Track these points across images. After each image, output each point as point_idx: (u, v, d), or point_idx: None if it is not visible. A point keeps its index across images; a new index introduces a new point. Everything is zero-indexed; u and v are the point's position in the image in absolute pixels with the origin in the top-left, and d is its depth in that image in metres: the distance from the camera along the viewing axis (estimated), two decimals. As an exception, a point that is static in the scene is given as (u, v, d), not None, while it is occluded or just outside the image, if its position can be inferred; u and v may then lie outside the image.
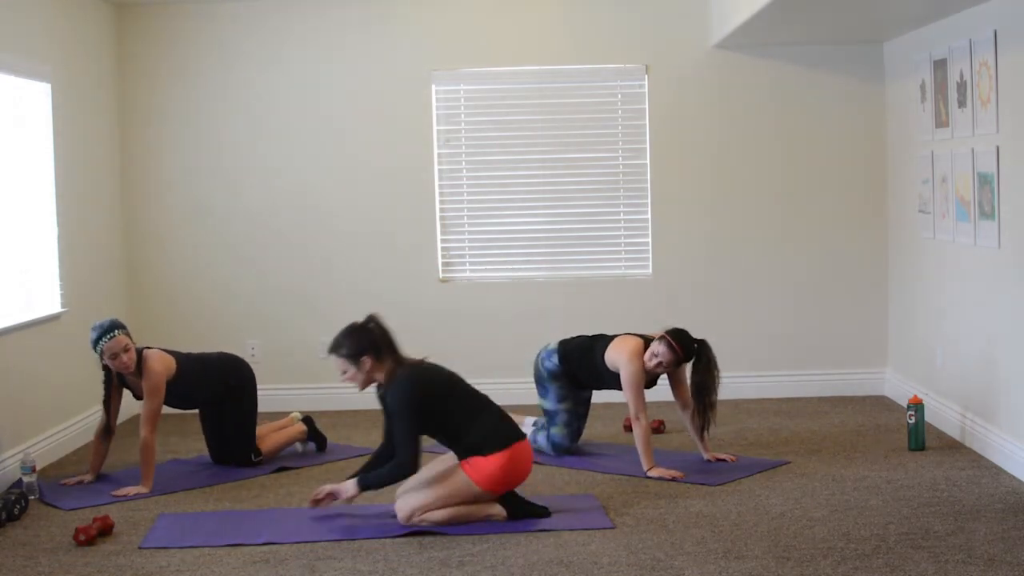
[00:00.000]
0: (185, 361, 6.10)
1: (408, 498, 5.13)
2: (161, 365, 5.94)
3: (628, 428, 6.90)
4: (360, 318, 5.31)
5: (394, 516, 5.21)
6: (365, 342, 5.19)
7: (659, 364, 5.97)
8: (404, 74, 7.75)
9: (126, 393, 6.09)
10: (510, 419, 5.29)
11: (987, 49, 5.83)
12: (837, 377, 7.82)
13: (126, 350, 5.81)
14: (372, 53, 7.75)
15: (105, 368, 5.90)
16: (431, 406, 5.12)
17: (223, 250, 7.84)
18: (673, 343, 5.94)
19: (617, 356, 6.05)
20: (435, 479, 5.13)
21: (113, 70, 7.68)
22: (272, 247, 7.83)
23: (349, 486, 5.16)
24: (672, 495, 5.51)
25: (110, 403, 5.97)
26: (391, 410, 5.15)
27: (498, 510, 5.17)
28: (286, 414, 6.85)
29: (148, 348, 6.02)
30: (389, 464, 5.12)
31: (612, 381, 6.14)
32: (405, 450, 5.06)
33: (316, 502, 5.22)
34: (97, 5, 7.45)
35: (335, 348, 5.24)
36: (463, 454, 5.15)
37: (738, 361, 7.50)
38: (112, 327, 5.81)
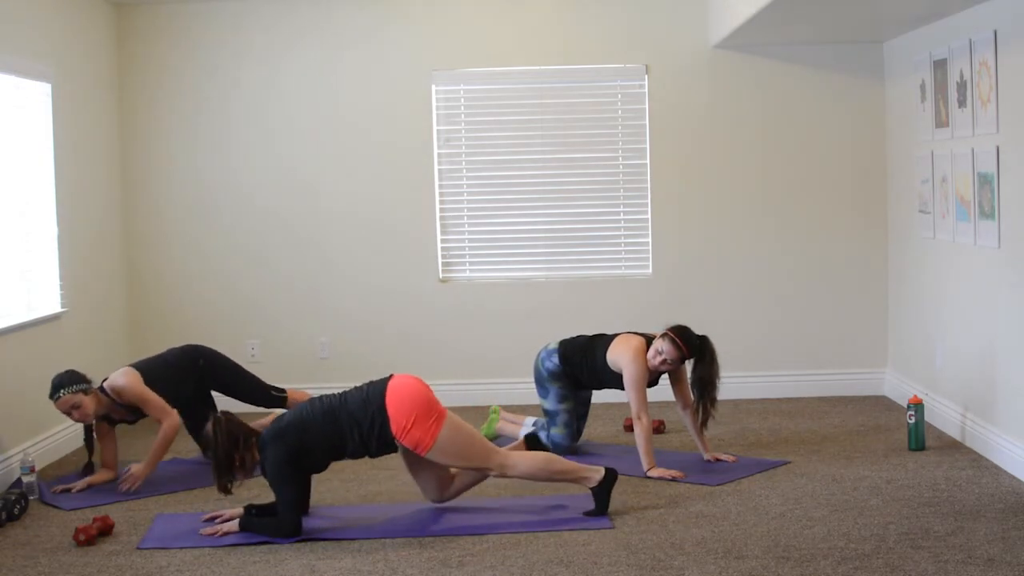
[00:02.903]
0: (145, 367, 6.07)
1: (479, 473, 5.22)
2: (128, 378, 5.92)
3: (628, 428, 6.90)
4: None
5: (395, 516, 5.26)
6: (232, 439, 4.99)
7: (663, 362, 5.97)
8: (404, 74, 7.75)
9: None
10: (365, 390, 5.15)
11: (987, 49, 5.83)
12: (837, 377, 7.82)
13: (76, 407, 5.78)
14: (372, 53, 7.75)
15: None
16: (306, 447, 5.01)
17: (223, 250, 7.84)
18: (678, 340, 5.94)
19: (619, 355, 6.04)
20: (450, 465, 5.15)
21: (113, 70, 7.68)
22: (272, 247, 7.83)
23: (232, 523, 5.07)
24: (672, 495, 5.51)
25: (90, 441, 6.03)
26: (269, 479, 5.04)
27: (597, 473, 5.20)
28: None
29: (104, 380, 5.97)
30: (274, 519, 5.03)
31: (613, 381, 6.14)
32: (286, 513, 4.99)
33: (210, 519, 5.19)
34: (97, 5, 7.44)
35: (217, 471, 5.02)
36: (380, 448, 5.08)
37: (738, 361, 7.50)
38: (57, 388, 5.77)
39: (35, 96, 6.58)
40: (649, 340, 6.06)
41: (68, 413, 5.82)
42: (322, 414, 5.06)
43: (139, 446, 6.65)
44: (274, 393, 6.37)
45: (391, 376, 5.17)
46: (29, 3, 6.54)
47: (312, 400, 5.19)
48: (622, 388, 6.06)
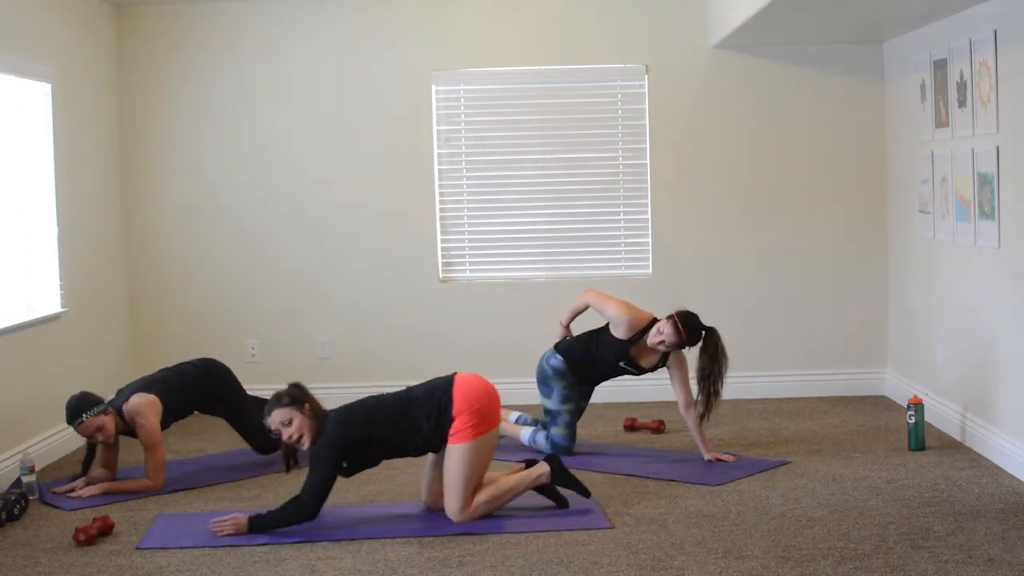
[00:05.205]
0: (164, 391, 5.98)
1: (448, 502, 5.13)
2: (153, 415, 5.83)
3: (628, 428, 6.92)
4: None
5: (395, 516, 5.26)
6: (303, 392, 5.14)
7: (661, 342, 5.97)
8: (404, 74, 7.75)
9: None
10: (432, 381, 5.27)
11: (987, 49, 5.83)
12: (837, 377, 7.82)
13: (99, 429, 5.73)
14: (372, 53, 7.75)
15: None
16: (365, 435, 5.07)
17: (223, 250, 7.84)
18: (679, 324, 5.93)
19: (618, 313, 6.12)
20: (448, 469, 5.13)
21: (113, 70, 7.68)
22: (272, 248, 7.83)
23: (241, 523, 5.02)
24: (672, 495, 5.51)
25: (91, 459, 5.93)
26: (311, 455, 5.07)
27: (543, 469, 5.26)
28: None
29: (126, 401, 5.87)
30: (286, 502, 5.05)
31: (617, 354, 6.12)
32: (310, 494, 5.01)
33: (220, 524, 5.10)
34: (97, 5, 7.44)
35: (275, 401, 5.11)
36: (439, 438, 5.14)
37: (738, 361, 7.42)
38: (77, 412, 5.70)
39: (35, 96, 6.58)
40: (655, 321, 6.09)
41: (91, 436, 5.77)
42: (391, 404, 5.16)
43: (139, 449, 6.65)
44: (273, 436, 6.23)
45: (453, 378, 5.25)
46: (29, 3, 6.53)
47: (374, 395, 5.26)
48: (629, 369, 6.11)
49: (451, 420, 5.08)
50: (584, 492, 5.31)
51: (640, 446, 6.57)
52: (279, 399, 5.12)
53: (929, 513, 5.09)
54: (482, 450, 5.13)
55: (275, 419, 5.10)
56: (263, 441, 6.15)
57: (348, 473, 5.16)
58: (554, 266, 7.88)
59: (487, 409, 5.15)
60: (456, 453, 5.09)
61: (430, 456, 5.34)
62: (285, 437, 5.09)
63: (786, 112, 7.74)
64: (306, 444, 5.08)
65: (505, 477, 5.27)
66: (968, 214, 6.21)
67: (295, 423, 5.07)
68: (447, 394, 5.12)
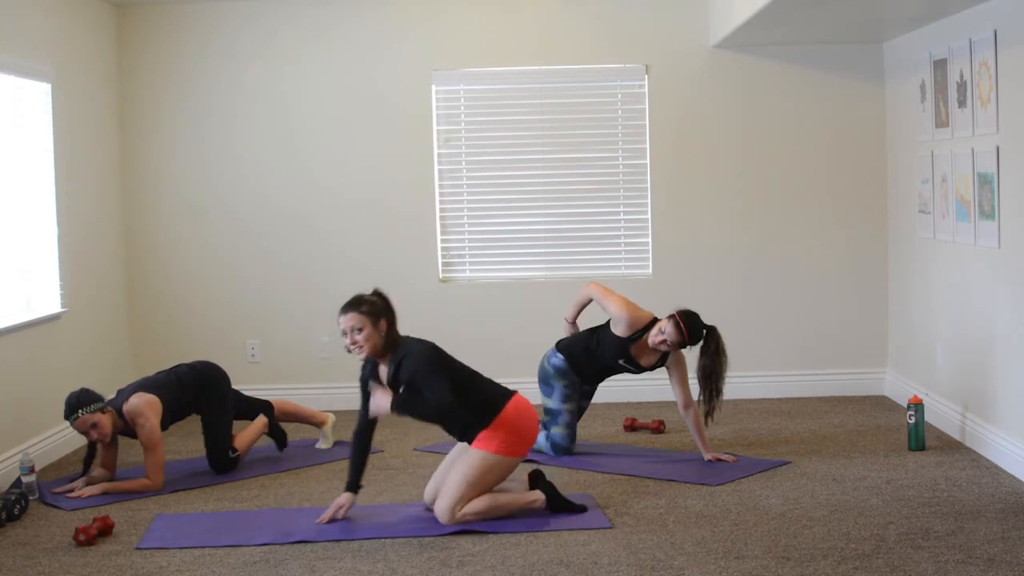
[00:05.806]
0: (163, 392, 5.98)
1: (442, 498, 5.12)
2: (153, 415, 5.83)
3: (628, 428, 6.92)
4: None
5: (395, 516, 5.26)
6: (385, 305, 5.16)
7: (663, 342, 5.97)
8: (404, 74, 7.75)
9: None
10: (496, 383, 5.34)
11: (987, 49, 5.83)
12: (837, 377, 7.82)
13: (93, 426, 5.73)
14: (372, 53, 7.75)
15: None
16: (449, 366, 5.15)
17: (223, 250, 7.83)
18: (681, 324, 5.94)
19: (619, 311, 6.12)
20: (458, 468, 5.13)
21: (113, 70, 7.68)
22: (272, 247, 7.83)
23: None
24: (672, 495, 5.51)
25: (90, 459, 5.92)
26: (415, 374, 5.03)
27: (537, 496, 5.23)
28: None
29: (125, 401, 5.86)
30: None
31: (619, 352, 6.12)
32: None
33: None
34: (97, 5, 7.44)
35: (355, 305, 5.11)
36: (473, 428, 5.15)
37: (738, 361, 7.43)
38: (74, 408, 5.70)
39: (35, 96, 6.58)
40: (655, 321, 6.09)
41: (86, 432, 5.76)
42: (461, 364, 5.23)
43: (139, 449, 6.66)
44: (231, 455, 6.14)
45: (516, 393, 5.29)
46: (29, 3, 6.53)
47: None
48: (628, 367, 6.11)
49: (489, 423, 5.10)
50: (581, 511, 5.25)
51: (640, 446, 6.57)
52: (359, 304, 5.12)
53: (929, 513, 5.09)
54: (496, 469, 5.13)
55: (348, 321, 5.09)
56: (221, 459, 6.10)
57: (403, 410, 5.08)
58: (554, 266, 7.88)
59: (524, 435, 5.18)
60: (473, 457, 5.10)
61: (450, 454, 5.35)
62: (349, 342, 5.12)
63: (786, 112, 7.74)
64: (363, 354, 5.10)
65: (501, 494, 5.22)
66: (968, 214, 6.21)
67: (364, 334, 5.07)
68: (503, 399, 5.17)
